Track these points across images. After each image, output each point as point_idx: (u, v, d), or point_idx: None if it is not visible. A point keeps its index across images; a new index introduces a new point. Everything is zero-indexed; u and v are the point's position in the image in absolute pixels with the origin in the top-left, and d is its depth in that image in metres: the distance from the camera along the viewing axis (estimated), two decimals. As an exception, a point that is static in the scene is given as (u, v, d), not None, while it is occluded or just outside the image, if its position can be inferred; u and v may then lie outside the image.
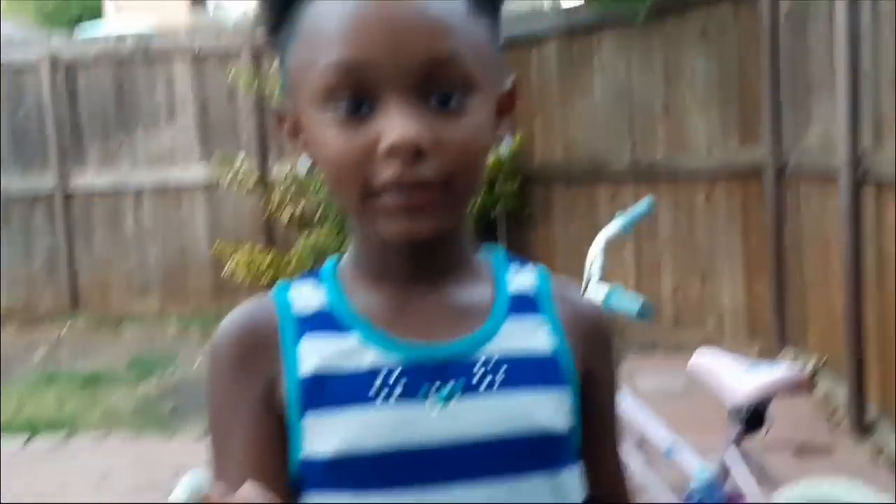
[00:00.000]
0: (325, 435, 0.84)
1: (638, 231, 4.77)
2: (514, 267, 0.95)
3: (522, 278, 0.94)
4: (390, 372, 0.85)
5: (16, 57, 8.26)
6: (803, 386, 2.68)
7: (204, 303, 8.16)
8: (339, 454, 0.84)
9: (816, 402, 4.65)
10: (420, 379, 0.85)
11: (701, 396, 4.70)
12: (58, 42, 8.53)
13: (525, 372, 0.87)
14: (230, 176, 7.56)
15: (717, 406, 2.63)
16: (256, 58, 7.98)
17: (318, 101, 0.83)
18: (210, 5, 19.71)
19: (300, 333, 0.88)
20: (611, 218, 2.91)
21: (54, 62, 8.13)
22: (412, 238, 0.84)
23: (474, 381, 0.86)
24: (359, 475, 0.84)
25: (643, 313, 2.38)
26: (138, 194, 8.23)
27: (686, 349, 5.90)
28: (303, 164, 0.97)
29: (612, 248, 2.78)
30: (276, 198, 7.54)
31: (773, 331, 5.60)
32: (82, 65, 8.20)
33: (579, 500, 0.91)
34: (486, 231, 6.81)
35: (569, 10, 7.08)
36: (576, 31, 6.72)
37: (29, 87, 8.22)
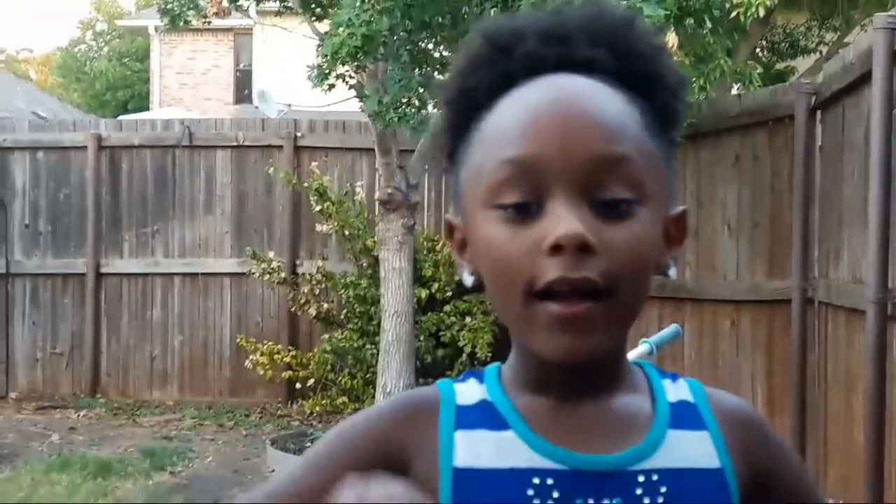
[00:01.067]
0: None
1: (661, 353, 4.73)
2: (667, 379, 0.91)
3: (678, 390, 0.89)
4: (545, 477, 0.81)
5: (63, 137, 8.47)
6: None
7: (222, 396, 8.16)
8: None
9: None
10: (578, 490, 0.80)
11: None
12: (104, 126, 8.75)
13: (690, 489, 0.83)
14: (260, 269, 7.64)
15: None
16: (296, 154, 8.15)
17: (488, 198, 0.81)
18: (254, 100, 20.17)
19: (459, 422, 0.85)
20: (636, 337, 2.90)
21: (100, 145, 8.32)
22: (573, 359, 0.80)
23: (633, 497, 0.81)
24: None
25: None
26: (168, 281, 8.31)
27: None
28: (466, 279, 0.93)
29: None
30: (302, 295, 7.58)
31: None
32: (126, 149, 8.39)
33: None
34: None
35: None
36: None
37: (73, 167, 8.41)
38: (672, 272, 0.88)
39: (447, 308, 7.18)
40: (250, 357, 7.51)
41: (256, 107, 13.37)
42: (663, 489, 0.81)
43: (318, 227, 7.67)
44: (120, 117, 11.24)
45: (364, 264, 7.36)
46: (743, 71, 6.32)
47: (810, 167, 5.42)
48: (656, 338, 2.85)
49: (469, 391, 0.87)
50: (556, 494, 0.80)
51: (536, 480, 0.80)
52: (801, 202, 5.43)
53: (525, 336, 0.82)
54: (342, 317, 7.48)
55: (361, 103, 6.03)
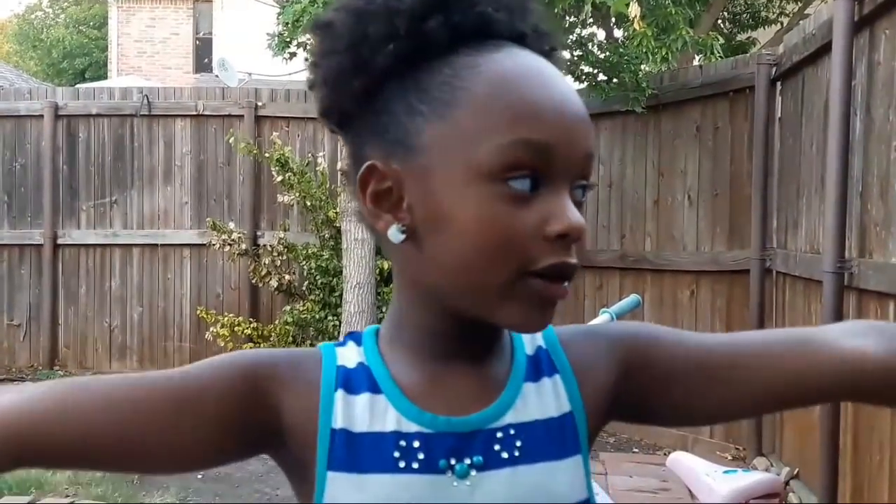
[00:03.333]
0: (346, 495, 0.84)
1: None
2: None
3: (534, 339, 0.92)
4: (411, 441, 0.85)
5: (19, 106, 8.32)
6: (778, 493, 2.65)
7: (183, 367, 8.10)
8: None
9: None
10: (441, 451, 0.85)
11: (673, 497, 4.66)
12: (61, 94, 8.60)
13: (542, 441, 0.87)
14: (220, 241, 7.57)
15: (690, 509, 2.60)
16: (257, 123, 8.07)
17: (489, 172, 0.80)
18: (214, 69, 19.94)
19: (339, 384, 0.87)
20: (596, 307, 2.92)
21: (56, 113, 8.19)
22: (535, 331, 0.85)
23: (493, 454, 0.85)
24: None
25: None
26: (126, 252, 8.23)
27: (661, 448, 5.90)
28: (393, 233, 0.85)
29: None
30: (263, 266, 7.54)
31: (747, 437, 5.52)
32: (84, 118, 8.27)
33: None
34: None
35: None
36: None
37: (30, 136, 8.27)
38: None
39: (409, 279, 7.18)
40: (211, 329, 7.46)
41: (216, 76, 13.21)
42: (518, 443, 0.85)
43: (280, 198, 7.61)
44: (77, 86, 11.06)
45: (326, 235, 7.32)
46: (705, 42, 6.33)
47: (770, 138, 5.46)
48: (616, 307, 2.86)
49: (349, 354, 0.90)
50: (420, 456, 0.84)
51: (403, 443, 0.84)
52: (761, 173, 5.48)
53: (493, 306, 0.82)
54: (304, 288, 7.45)
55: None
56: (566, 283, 0.83)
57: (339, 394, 0.87)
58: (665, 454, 5.32)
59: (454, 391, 0.87)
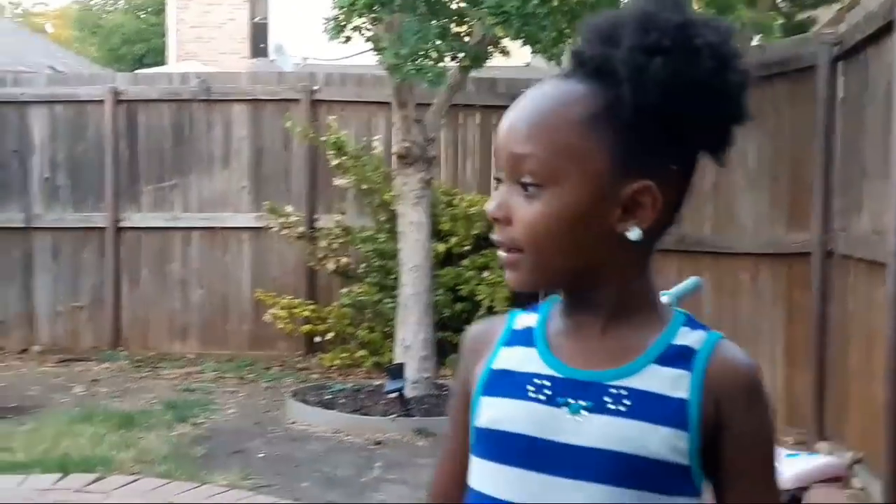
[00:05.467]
0: (489, 411, 1.12)
1: (680, 306, 4.73)
2: (690, 326, 1.12)
3: (692, 336, 1.10)
4: (542, 379, 1.10)
5: (80, 91, 8.48)
6: (841, 477, 2.63)
7: (241, 350, 8.23)
8: (488, 425, 1.11)
9: (850, 497, 4.54)
10: (562, 391, 1.09)
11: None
12: (121, 80, 8.74)
13: (647, 407, 1.06)
14: (278, 224, 7.65)
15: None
16: (313, 107, 8.13)
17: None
18: (270, 53, 20.07)
19: (507, 341, 1.17)
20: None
21: (116, 99, 8.33)
22: (513, 288, 1.13)
23: (602, 402, 1.07)
24: (499, 448, 1.10)
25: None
26: (186, 235, 8.36)
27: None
28: None
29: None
30: (320, 249, 7.61)
31: (810, 421, 5.44)
32: (143, 103, 8.40)
33: None
34: (530, 297, 6.79)
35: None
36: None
37: (91, 121, 8.42)
38: (632, 235, 1.09)
39: (465, 262, 7.19)
40: (269, 311, 7.56)
41: (272, 60, 13.31)
42: (627, 402, 1.06)
43: (336, 182, 7.67)
44: (136, 71, 11.23)
45: (382, 218, 7.36)
46: (764, 22, 6.25)
47: (832, 119, 5.37)
48: (676, 290, 2.85)
49: (525, 319, 1.18)
50: (547, 392, 1.09)
51: (537, 381, 1.11)
52: (823, 154, 5.39)
53: None
54: (360, 271, 7.50)
55: (378, 56, 5.99)
56: (504, 253, 1.11)
57: (504, 348, 1.16)
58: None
59: (591, 350, 1.11)
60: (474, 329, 1.25)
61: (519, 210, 1.08)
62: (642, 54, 1.03)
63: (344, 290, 7.42)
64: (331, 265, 7.57)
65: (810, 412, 5.45)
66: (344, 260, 7.58)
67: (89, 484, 4.67)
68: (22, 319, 8.48)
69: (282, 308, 7.48)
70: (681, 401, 1.06)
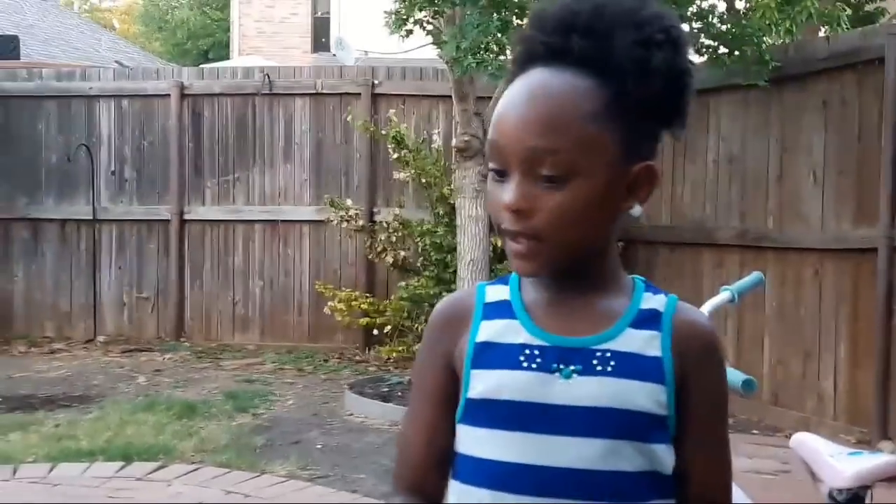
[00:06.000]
0: (481, 383, 1.19)
1: (742, 301, 4.66)
2: (651, 291, 1.24)
3: (655, 300, 1.22)
4: (533, 349, 1.18)
5: (147, 86, 8.62)
6: (906, 478, 2.57)
7: (300, 341, 8.31)
8: (485, 396, 1.18)
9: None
10: (553, 358, 1.17)
11: (793, 479, 4.55)
12: (187, 74, 8.88)
13: (630, 367, 1.16)
14: (338, 217, 7.71)
15: (809, 490, 2.54)
16: (374, 101, 8.17)
17: (488, 164, 1.20)
18: (332, 48, 20.21)
19: (484, 315, 1.23)
20: (715, 286, 2.86)
21: (182, 93, 8.46)
22: (524, 275, 1.21)
23: (591, 366, 1.16)
24: (497, 415, 1.17)
25: (747, 387, 2.32)
26: (248, 228, 8.46)
27: (782, 430, 5.76)
28: None
29: (713, 317, 2.73)
30: (379, 242, 7.64)
31: (874, 420, 5.33)
32: (208, 97, 8.51)
33: (669, 471, 1.19)
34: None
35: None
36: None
37: (157, 115, 8.57)
38: (634, 212, 1.23)
39: (524, 256, 7.16)
40: (328, 303, 7.62)
41: (334, 55, 13.39)
42: (612, 363, 1.17)
43: (395, 175, 7.70)
44: (201, 66, 11.38)
45: (441, 212, 7.37)
46: (831, 13, 6.11)
47: (901, 111, 5.24)
48: (737, 285, 2.79)
49: (496, 292, 1.26)
50: (539, 360, 1.17)
51: (527, 351, 1.18)
52: (891, 148, 5.27)
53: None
54: (418, 264, 7.52)
55: (439, 49, 5.99)
56: (521, 243, 1.16)
57: (484, 322, 1.23)
58: (786, 436, 5.20)
59: (571, 318, 1.20)
60: (444, 305, 1.30)
61: (542, 201, 1.14)
62: (642, 49, 1.14)
63: (402, 284, 7.45)
64: (389, 258, 7.61)
65: (874, 410, 5.34)
66: (402, 253, 7.61)
67: (151, 472, 4.76)
68: (88, 310, 8.66)
69: (340, 300, 7.54)
70: (656, 358, 1.18)
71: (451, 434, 1.23)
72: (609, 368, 1.17)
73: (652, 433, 1.18)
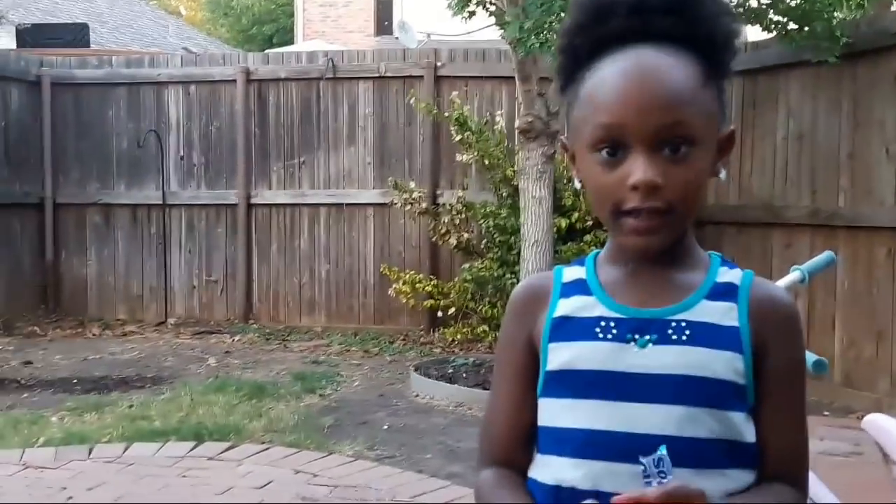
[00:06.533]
0: (559, 355, 1.23)
1: (812, 281, 4.58)
2: (727, 266, 1.27)
3: (731, 274, 1.26)
4: (608, 321, 1.22)
5: (213, 71, 8.74)
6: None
7: (366, 323, 8.38)
8: (564, 367, 1.22)
9: None
10: (629, 329, 1.21)
11: (866, 461, 4.46)
12: (252, 60, 8.98)
13: (706, 336, 1.19)
14: (402, 200, 7.73)
15: (882, 472, 2.50)
16: (437, 83, 8.17)
17: (589, 147, 1.20)
18: (395, 31, 20.23)
19: (562, 293, 1.28)
20: (784, 266, 2.81)
21: (248, 78, 8.55)
22: (644, 253, 1.22)
23: (666, 335, 1.20)
24: (575, 386, 1.21)
25: (818, 368, 2.28)
26: (314, 211, 8.53)
27: (854, 412, 5.66)
28: (576, 184, 1.14)
29: (783, 299, 2.68)
30: (443, 225, 7.65)
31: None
32: (273, 82, 8.60)
33: (747, 440, 1.21)
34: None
35: (757, 45, 6.88)
36: (762, 67, 6.54)
37: (223, 100, 8.69)
38: (722, 176, 1.26)
39: (587, 238, 7.11)
40: (393, 286, 7.66)
41: (397, 38, 13.42)
42: (687, 332, 1.20)
43: (459, 157, 7.70)
44: (266, 51, 11.49)
45: (504, 194, 7.35)
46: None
47: (979, 86, 5.09)
48: (809, 265, 2.74)
49: (572, 272, 1.31)
50: (614, 331, 1.22)
51: (603, 323, 1.23)
52: (968, 123, 5.12)
53: (614, 234, 1.24)
54: (482, 246, 7.52)
55: (502, 30, 5.97)
56: (651, 219, 1.17)
57: (561, 300, 1.28)
58: (858, 418, 5.10)
59: (646, 292, 1.24)
60: (524, 287, 1.35)
61: (671, 173, 1.16)
62: (727, 19, 1.22)
63: (465, 266, 7.45)
64: (453, 240, 7.62)
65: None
66: (466, 235, 7.62)
67: (222, 452, 4.84)
68: (159, 293, 8.84)
69: (405, 283, 7.58)
70: (734, 328, 1.21)
71: (535, 411, 1.27)
72: (684, 337, 1.19)
73: (729, 401, 1.20)
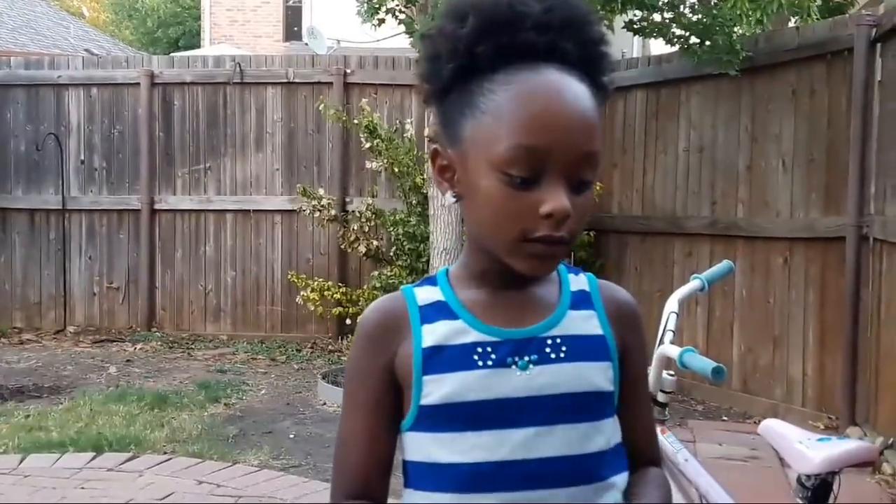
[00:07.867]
0: (438, 388, 1.16)
1: (712, 289, 4.70)
2: (571, 272, 1.28)
3: (579, 281, 1.26)
4: (485, 346, 1.17)
5: (116, 74, 8.55)
6: (872, 462, 2.61)
7: (273, 331, 8.29)
8: (447, 400, 1.16)
9: (881, 480, 4.51)
10: (507, 352, 1.17)
11: (763, 465, 4.60)
12: (157, 62, 8.81)
13: (581, 349, 1.19)
14: (310, 206, 7.68)
15: (778, 476, 2.57)
16: (346, 90, 8.14)
17: (497, 165, 1.12)
18: (304, 37, 20.10)
19: (422, 318, 1.20)
20: (685, 274, 2.88)
21: (152, 81, 8.39)
22: (541, 275, 1.19)
23: (545, 354, 1.17)
24: (460, 418, 1.16)
25: (717, 374, 2.34)
26: (220, 217, 8.41)
27: (751, 418, 5.82)
28: (449, 198, 1.08)
29: (683, 305, 2.75)
30: (352, 232, 7.63)
31: (842, 406, 5.41)
32: (178, 86, 8.45)
33: (619, 441, 1.23)
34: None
35: (660, 59, 7.04)
36: (665, 80, 6.69)
37: (127, 104, 8.50)
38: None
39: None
40: (301, 293, 7.60)
41: (306, 44, 13.33)
42: (564, 348, 1.18)
43: (368, 165, 7.68)
44: (172, 54, 11.29)
45: (413, 202, 7.37)
46: (801, 3, 6.15)
47: (869, 102, 5.30)
48: (708, 273, 2.82)
49: (426, 293, 1.24)
50: (493, 356, 1.17)
51: (479, 350, 1.17)
52: (859, 137, 5.32)
53: (508, 257, 1.16)
54: (391, 254, 7.51)
55: (411, 38, 5.98)
56: (557, 247, 1.14)
57: (426, 326, 1.20)
58: (755, 423, 5.25)
59: (512, 311, 1.21)
60: (374, 313, 1.26)
61: (574, 203, 1.12)
62: (606, 45, 1.20)
63: (375, 273, 7.44)
64: (362, 248, 7.60)
65: (842, 397, 5.41)
66: (375, 243, 7.61)
67: (122, 463, 4.74)
68: (58, 300, 8.60)
69: (313, 290, 7.52)
70: (601, 337, 1.22)
71: (392, 444, 1.22)
72: (562, 354, 1.18)
73: (607, 410, 1.22)
